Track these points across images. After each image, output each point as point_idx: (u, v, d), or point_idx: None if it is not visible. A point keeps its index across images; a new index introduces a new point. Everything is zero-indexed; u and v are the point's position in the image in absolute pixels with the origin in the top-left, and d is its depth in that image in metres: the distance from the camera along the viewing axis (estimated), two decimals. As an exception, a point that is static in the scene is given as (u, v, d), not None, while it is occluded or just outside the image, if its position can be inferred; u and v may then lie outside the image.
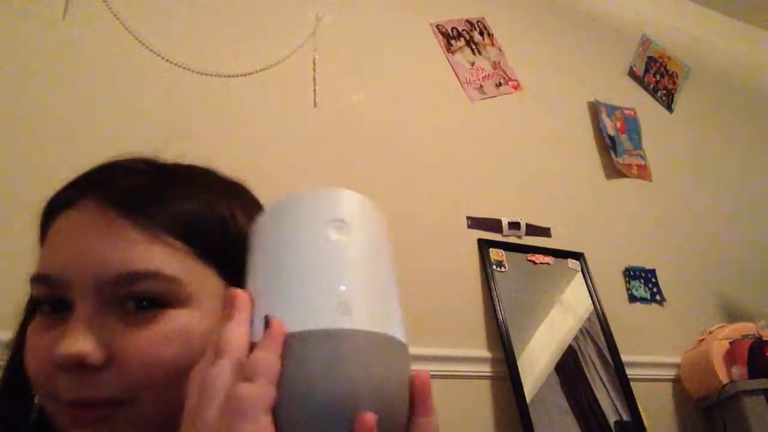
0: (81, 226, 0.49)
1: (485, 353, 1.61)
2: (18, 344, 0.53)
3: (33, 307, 0.50)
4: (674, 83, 2.59)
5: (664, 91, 2.55)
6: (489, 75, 2.10)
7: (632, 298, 1.98)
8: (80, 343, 0.44)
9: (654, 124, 2.41)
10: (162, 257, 0.47)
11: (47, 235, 0.51)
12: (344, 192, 0.46)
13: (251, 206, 0.57)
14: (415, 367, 1.46)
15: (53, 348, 0.44)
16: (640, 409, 1.67)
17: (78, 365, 0.43)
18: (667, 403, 1.87)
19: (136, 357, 0.45)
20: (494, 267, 1.74)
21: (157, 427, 0.46)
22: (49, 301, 0.48)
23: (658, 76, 2.56)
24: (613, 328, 1.80)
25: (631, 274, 2.02)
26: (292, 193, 0.45)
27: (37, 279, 0.49)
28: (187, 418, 0.36)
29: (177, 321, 0.46)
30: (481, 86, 2.06)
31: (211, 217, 0.52)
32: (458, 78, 2.03)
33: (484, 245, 1.76)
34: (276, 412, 0.35)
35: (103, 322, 0.46)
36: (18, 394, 0.51)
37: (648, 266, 2.06)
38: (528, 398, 1.54)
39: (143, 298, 0.46)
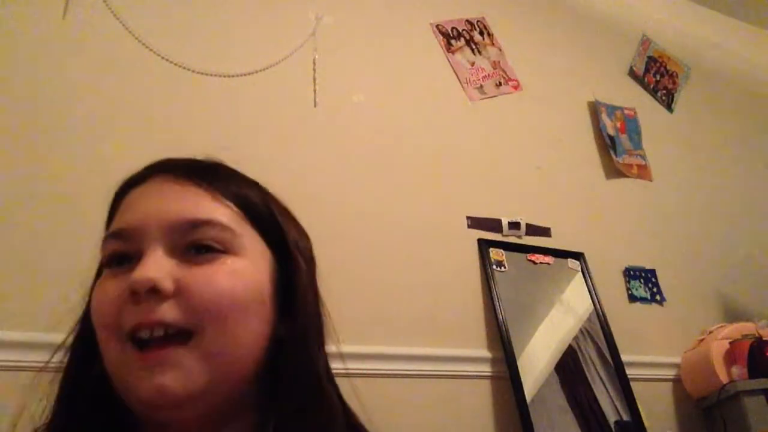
0: (151, 192, 0.55)
1: (485, 353, 1.61)
2: (87, 307, 0.56)
3: (102, 263, 0.55)
4: (674, 83, 2.59)
5: (664, 91, 2.55)
6: (489, 75, 2.10)
7: (632, 298, 1.98)
8: (154, 270, 0.49)
9: (654, 124, 2.41)
10: (222, 212, 0.55)
11: (117, 210, 0.57)
12: None
13: (282, 207, 0.65)
14: (415, 366, 1.47)
15: (127, 279, 0.49)
16: (640, 409, 1.67)
17: (151, 290, 0.48)
18: (667, 403, 1.87)
19: (200, 287, 0.50)
20: (494, 267, 1.74)
21: (218, 365, 0.50)
22: (119, 256, 0.53)
23: (658, 75, 2.56)
24: (613, 328, 1.80)
25: (631, 274, 2.02)
26: None
27: (110, 236, 0.54)
28: None
29: (233, 264, 0.53)
30: (481, 86, 2.06)
31: (257, 192, 0.61)
32: (458, 78, 2.03)
33: (484, 245, 1.76)
34: None
35: (170, 261, 0.51)
36: (84, 355, 0.55)
37: (648, 266, 2.06)
38: (528, 398, 1.54)
39: (204, 246, 0.52)
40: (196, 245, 0.52)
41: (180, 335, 0.49)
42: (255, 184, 0.64)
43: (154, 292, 0.48)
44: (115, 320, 0.49)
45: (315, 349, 0.59)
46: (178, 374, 0.48)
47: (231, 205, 0.56)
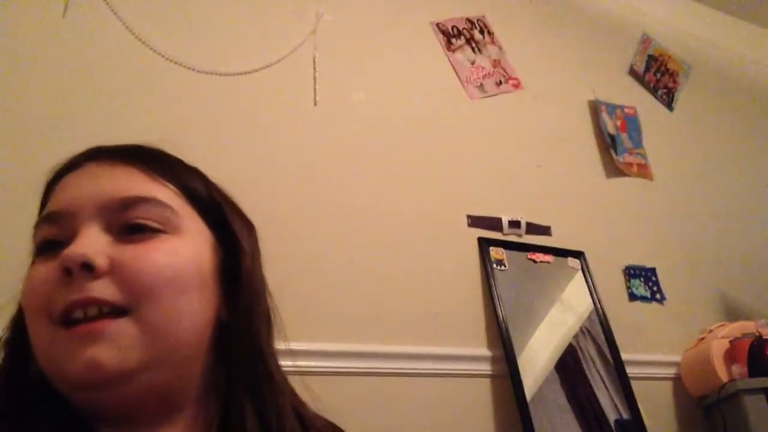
0: (84, 176, 0.54)
1: (485, 352, 1.62)
2: (18, 313, 0.54)
3: (34, 251, 0.53)
4: (675, 82, 2.59)
5: (665, 90, 2.55)
6: (489, 73, 2.10)
7: (632, 297, 1.98)
8: (87, 245, 0.47)
9: (654, 122, 2.41)
10: (159, 189, 0.53)
11: (51, 195, 0.55)
12: None
13: (223, 194, 0.63)
14: (415, 365, 1.47)
15: (59, 257, 0.47)
16: (640, 408, 1.67)
17: (84, 267, 0.46)
18: (667, 402, 1.87)
19: (136, 264, 0.48)
20: (494, 265, 1.74)
21: (155, 342, 0.48)
22: (51, 242, 0.50)
23: (658, 74, 2.56)
24: (613, 327, 1.80)
25: (632, 272, 2.02)
26: None
27: (42, 221, 0.52)
28: None
29: (171, 242, 0.51)
30: (482, 85, 2.06)
31: (195, 173, 0.60)
32: (458, 76, 2.03)
33: (484, 244, 1.76)
34: None
35: (104, 238, 0.49)
36: (18, 353, 0.52)
37: (648, 265, 2.06)
38: (528, 397, 1.54)
39: (139, 225, 0.50)
40: (131, 225, 0.50)
41: (114, 313, 0.47)
42: (196, 170, 0.61)
43: (87, 269, 0.47)
44: (46, 302, 0.47)
45: (262, 337, 0.57)
46: (112, 347, 0.45)
47: (169, 185, 0.55)
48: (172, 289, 0.49)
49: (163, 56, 1.54)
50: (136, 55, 1.51)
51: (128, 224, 0.50)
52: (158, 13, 1.59)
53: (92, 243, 0.48)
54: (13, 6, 1.42)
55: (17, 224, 1.25)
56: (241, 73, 1.64)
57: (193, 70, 1.57)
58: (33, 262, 0.53)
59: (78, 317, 0.46)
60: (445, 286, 1.66)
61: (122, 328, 0.46)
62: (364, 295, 1.53)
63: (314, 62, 1.75)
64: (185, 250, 0.52)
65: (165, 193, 0.54)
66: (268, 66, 1.68)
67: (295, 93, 1.70)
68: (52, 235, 0.51)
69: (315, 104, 1.71)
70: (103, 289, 0.47)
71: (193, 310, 0.51)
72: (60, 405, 0.49)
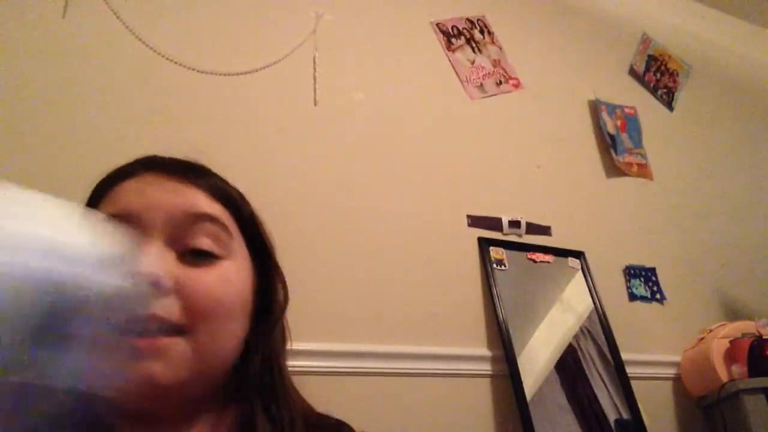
0: (147, 185, 0.55)
1: (485, 352, 1.62)
2: None
3: None
4: (675, 82, 2.59)
5: (665, 90, 2.55)
6: (489, 73, 2.10)
7: (632, 297, 1.98)
8: (155, 264, 0.49)
9: (654, 122, 2.41)
10: (219, 210, 0.56)
11: (108, 196, 0.56)
12: None
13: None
14: (415, 365, 1.47)
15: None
16: (640, 408, 1.67)
17: (153, 284, 0.48)
18: (667, 402, 1.87)
19: (198, 290, 0.51)
20: (494, 265, 1.74)
21: (203, 362, 0.50)
22: None
23: (658, 74, 2.56)
24: (613, 327, 1.80)
25: (632, 272, 2.02)
26: None
27: (112, 216, 0.52)
28: None
29: (227, 269, 0.54)
30: (482, 85, 2.06)
31: (237, 194, 0.62)
32: (458, 76, 2.03)
33: (484, 244, 1.76)
34: None
35: (167, 253, 0.51)
36: None
37: (648, 264, 2.06)
38: (528, 397, 1.54)
39: (200, 250, 0.53)
40: (195, 248, 0.53)
41: (171, 331, 0.49)
42: (236, 190, 0.64)
43: (155, 286, 0.49)
44: None
45: (279, 354, 0.61)
46: (167, 364, 0.48)
47: (224, 205, 0.58)
48: (225, 315, 0.53)
49: (163, 56, 1.54)
50: (136, 55, 1.51)
51: (192, 246, 0.53)
52: (158, 12, 1.59)
53: (161, 260, 0.50)
54: (13, 6, 1.42)
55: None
56: (241, 73, 1.64)
57: (193, 70, 1.57)
58: None
59: (137, 330, 0.47)
60: (445, 286, 1.66)
61: (178, 346, 0.49)
62: (364, 295, 1.53)
63: (314, 62, 1.75)
64: (237, 276, 0.56)
65: (224, 214, 0.57)
66: (268, 66, 1.68)
67: (295, 93, 1.70)
68: None
69: (315, 104, 1.71)
70: (166, 309, 0.49)
71: (236, 333, 0.55)
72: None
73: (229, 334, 0.54)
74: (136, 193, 0.54)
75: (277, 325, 0.61)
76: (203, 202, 0.55)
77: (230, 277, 0.54)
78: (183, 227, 0.53)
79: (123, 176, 0.57)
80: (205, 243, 0.53)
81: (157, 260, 0.50)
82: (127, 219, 0.52)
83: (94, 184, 0.60)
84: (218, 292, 0.52)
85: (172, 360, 0.49)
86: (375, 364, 1.45)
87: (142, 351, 0.48)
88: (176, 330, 0.49)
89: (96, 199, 0.57)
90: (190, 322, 0.50)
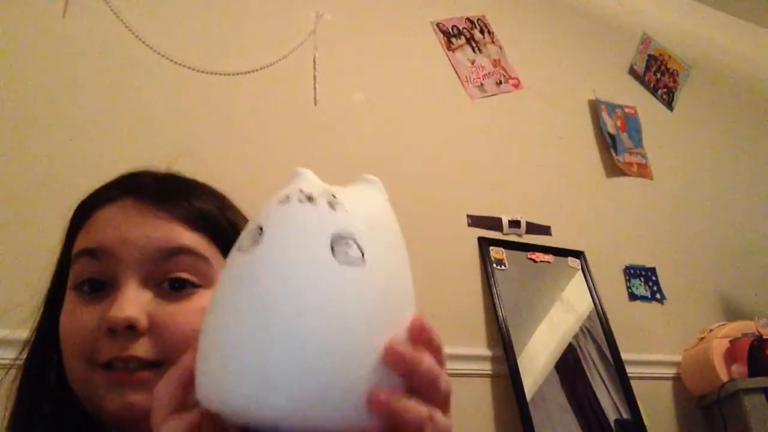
0: (125, 215, 0.56)
1: (485, 351, 1.62)
2: (43, 319, 0.59)
3: (74, 283, 0.55)
4: (675, 81, 2.59)
5: (665, 90, 2.55)
6: (489, 73, 2.10)
7: (632, 297, 1.98)
8: (131, 308, 0.51)
9: (654, 122, 2.41)
10: (196, 240, 0.56)
11: (87, 223, 0.57)
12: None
13: (242, 216, 0.65)
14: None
15: (104, 314, 0.51)
16: (640, 407, 1.67)
17: (128, 328, 0.50)
18: (667, 401, 1.87)
19: (173, 326, 0.52)
20: (494, 265, 1.74)
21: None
22: (91, 279, 0.54)
23: (658, 74, 2.56)
24: (613, 327, 1.80)
25: (632, 272, 2.02)
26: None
27: (86, 252, 0.54)
28: None
29: (205, 298, 0.54)
30: (482, 84, 2.06)
31: (223, 216, 0.61)
32: (459, 76, 2.03)
33: (484, 243, 1.76)
34: None
35: (145, 295, 0.53)
36: (43, 365, 0.57)
37: (648, 264, 2.06)
38: (528, 396, 1.54)
39: (177, 280, 0.54)
40: (170, 279, 0.54)
41: (149, 366, 0.52)
42: (220, 199, 0.63)
43: (130, 330, 0.51)
44: (88, 348, 0.51)
45: None
46: (144, 393, 0.50)
47: (202, 232, 0.57)
48: None
49: (162, 56, 1.54)
50: (136, 54, 1.51)
51: (168, 278, 0.54)
52: (158, 12, 1.59)
53: (136, 304, 0.51)
54: (13, 5, 1.42)
55: (18, 224, 1.25)
56: (241, 73, 1.64)
57: (193, 69, 1.57)
58: (71, 294, 0.55)
59: (118, 366, 0.51)
60: (445, 286, 1.66)
61: (154, 378, 0.50)
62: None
63: (314, 62, 1.75)
64: None
65: (202, 243, 0.57)
66: (268, 66, 1.68)
67: (295, 93, 1.70)
68: (94, 273, 0.54)
69: (315, 104, 1.71)
70: (143, 348, 0.51)
71: None
72: (75, 412, 0.54)
73: None
74: (112, 227, 0.55)
75: None
76: (180, 234, 0.56)
77: (205, 306, 0.55)
78: (159, 262, 0.54)
79: (102, 202, 0.58)
80: (182, 275, 0.54)
81: (131, 304, 0.51)
82: (101, 254, 0.54)
83: (77, 203, 0.61)
84: (192, 325, 0.52)
85: (148, 390, 0.50)
86: (375, 364, 1.45)
87: (121, 382, 0.51)
88: (153, 364, 0.52)
89: (77, 224, 0.58)
90: (165, 357, 0.52)
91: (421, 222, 1.71)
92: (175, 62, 1.55)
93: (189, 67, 1.56)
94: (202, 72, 1.58)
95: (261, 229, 0.35)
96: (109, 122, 1.42)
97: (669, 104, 2.54)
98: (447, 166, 1.85)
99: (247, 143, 1.56)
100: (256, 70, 1.66)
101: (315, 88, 1.72)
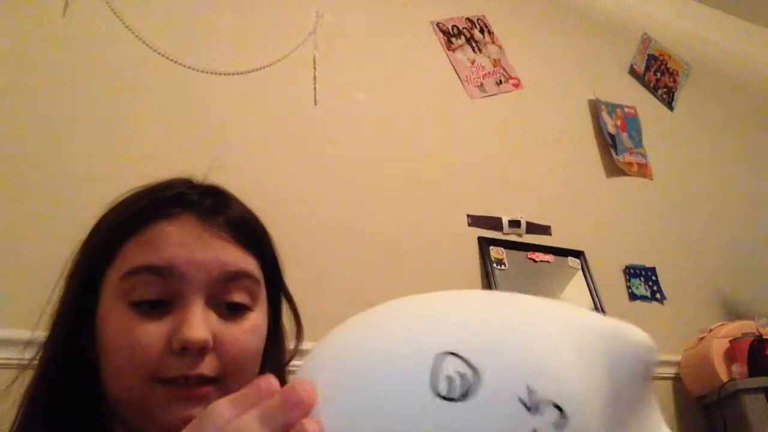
0: (191, 233, 0.57)
1: (485, 351, 1.61)
2: (69, 331, 0.58)
3: (132, 299, 0.54)
4: (675, 81, 2.59)
5: (665, 89, 2.55)
6: (489, 73, 2.10)
7: (632, 296, 1.98)
8: (204, 330, 0.53)
9: (654, 122, 2.41)
10: (253, 264, 0.59)
11: (144, 234, 0.57)
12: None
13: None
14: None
15: (171, 332, 0.53)
16: (640, 407, 1.67)
17: (200, 349, 0.53)
18: (667, 401, 1.87)
19: (233, 345, 0.55)
20: (494, 265, 1.74)
21: None
22: (153, 296, 0.54)
23: (658, 74, 2.56)
24: (613, 326, 1.80)
25: (632, 272, 2.02)
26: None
27: (151, 269, 0.55)
28: None
29: (256, 320, 0.58)
30: (482, 84, 2.06)
31: (263, 232, 0.64)
32: (459, 76, 2.03)
33: (484, 243, 1.76)
34: None
35: (211, 316, 0.55)
36: (64, 363, 0.57)
37: (648, 264, 2.06)
38: (528, 396, 1.54)
39: (234, 303, 0.57)
40: (229, 302, 0.57)
41: (208, 382, 0.54)
42: (261, 226, 0.66)
43: (201, 349, 0.53)
44: (153, 364, 0.52)
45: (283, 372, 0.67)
46: (203, 408, 0.52)
47: (254, 254, 0.60)
48: (252, 363, 0.58)
49: (162, 55, 1.54)
50: (136, 53, 1.51)
51: (229, 301, 0.57)
52: (158, 12, 1.59)
53: (206, 324, 0.54)
54: (13, 5, 1.42)
55: (19, 224, 1.25)
56: (241, 73, 1.64)
57: (194, 69, 1.57)
58: (126, 309, 0.55)
59: (179, 381, 0.53)
60: (445, 286, 1.62)
61: (212, 393, 0.54)
62: (363, 294, 1.53)
63: (314, 62, 1.75)
64: (261, 326, 0.60)
65: (256, 266, 0.60)
66: (268, 66, 1.68)
67: (295, 93, 1.70)
68: (159, 292, 0.55)
69: (315, 104, 1.71)
70: (209, 366, 0.54)
71: (255, 372, 0.59)
72: (95, 414, 0.56)
73: (252, 376, 0.57)
74: (179, 245, 0.56)
75: (281, 355, 0.66)
76: (241, 258, 0.59)
77: (258, 325, 0.59)
78: (222, 285, 0.56)
79: (160, 215, 0.58)
80: (239, 298, 0.57)
81: (202, 325, 0.53)
82: (168, 273, 0.54)
83: (122, 198, 0.61)
84: (249, 344, 0.57)
85: (206, 404, 0.51)
86: (375, 364, 1.45)
87: (184, 398, 0.53)
88: (212, 380, 0.54)
89: (127, 228, 0.58)
90: (224, 373, 0.55)
91: (421, 222, 1.71)
92: (175, 62, 1.55)
93: (189, 67, 1.57)
94: (202, 72, 1.58)
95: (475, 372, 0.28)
96: (108, 122, 1.42)
97: (669, 104, 2.54)
98: (447, 166, 1.85)
99: (247, 143, 1.56)
100: (256, 70, 1.66)
101: (315, 88, 1.72)
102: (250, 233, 0.61)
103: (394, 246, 1.63)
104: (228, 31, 1.68)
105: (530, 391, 0.27)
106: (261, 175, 1.53)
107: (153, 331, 0.53)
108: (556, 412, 0.27)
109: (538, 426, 0.26)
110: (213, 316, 0.55)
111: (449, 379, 0.27)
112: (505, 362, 0.28)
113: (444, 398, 0.27)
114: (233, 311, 0.57)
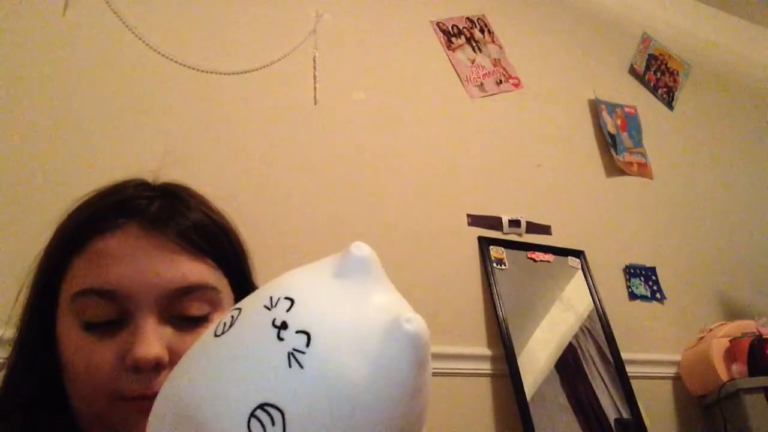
0: (133, 247, 0.55)
1: (486, 351, 1.62)
2: (31, 349, 0.57)
3: (82, 322, 0.53)
4: (675, 81, 2.59)
5: (665, 89, 2.55)
6: (489, 73, 2.10)
7: (632, 296, 1.98)
8: (156, 347, 0.51)
9: (654, 121, 2.41)
10: (205, 273, 0.57)
11: (88, 250, 0.55)
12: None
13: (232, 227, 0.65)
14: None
15: (123, 350, 0.51)
16: (640, 407, 1.67)
17: (155, 366, 0.51)
18: (667, 401, 1.87)
19: None
20: (494, 265, 1.74)
21: None
22: (104, 317, 0.53)
23: (658, 73, 2.56)
24: (613, 326, 1.80)
25: (632, 271, 2.02)
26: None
27: (96, 292, 0.53)
28: None
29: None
30: (482, 84, 2.06)
31: (220, 227, 0.61)
32: (459, 76, 2.03)
33: (484, 243, 1.76)
34: None
35: (164, 330, 0.53)
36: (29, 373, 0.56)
37: (648, 264, 2.06)
38: (528, 396, 1.54)
39: (188, 315, 0.55)
40: (187, 315, 0.55)
41: None
42: (211, 209, 0.63)
43: (155, 367, 0.52)
44: (110, 384, 0.51)
45: None
46: None
47: (207, 259, 0.58)
48: None
49: (162, 55, 1.54)
50: (136, 53, 1.51)
51: (186, 314, 0.55)
52: (158, 11, 1.59)
53: (158, 340, 0.52)
54: (13, 4, 1.42)
55: (20, 224, 1.25)
56: (241, 73, 1.64)
57: (194, 68, 1.57)
58: (79, 332, 0.54)
59: (140, 399, 0.52)
60: (445, 285, 1.66)
61: None
62: (364, 295, 1.52)
63: (314, 62, 1.75)
64: None
65: (211, 273, 0.57)
66: (268, 65, 1.68)
67: (296, 92, 1.70)
68: (110, 314, 0.53)
69: (315, 103, 1.71)
70: (162, 381, 0.53)
71: None
72: (63, 423, 0.54)
73: None
74: (123, 264, 0.54)
75: None
76: (192, 269, 0.56)
77: None
78: (174, 300, 0.54)
79: (105, 228, 0.55)
80: (196, 310, 0.55)
81: (155, 342, 0.52)
82: (114, 295, 0.53)
83: (71, 210, 0.59)
84: None
85: None
86: (375, 364, 1.45)
87: (143, 410, 0.50)
88: None
89: (73, 244, 0.56)
90: None
91: (421, 221, 1.71)
92: (175, 61, 1.55)
93: (189, 67, 1.57)
94: (202, 71, 1.58)
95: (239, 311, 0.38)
96: (108, 121, 1.42)
97: (669, 104, 2.54)
98: (447, 166, 1.85)
99: (247, 143, 1.56)
100: (256, 70, 1.66)
101: (315, 88, 1.72)
102: (206, 238, 0.58)
103: (394, 245, 1.63)
104: (228, 30, 1.68)
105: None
106: (261, 174, 1.53)
107: (106, 351, 0.52)
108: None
109: None
110: (168, 331, 0.53)
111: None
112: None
113: None
114: (191, 322, 0.55)
